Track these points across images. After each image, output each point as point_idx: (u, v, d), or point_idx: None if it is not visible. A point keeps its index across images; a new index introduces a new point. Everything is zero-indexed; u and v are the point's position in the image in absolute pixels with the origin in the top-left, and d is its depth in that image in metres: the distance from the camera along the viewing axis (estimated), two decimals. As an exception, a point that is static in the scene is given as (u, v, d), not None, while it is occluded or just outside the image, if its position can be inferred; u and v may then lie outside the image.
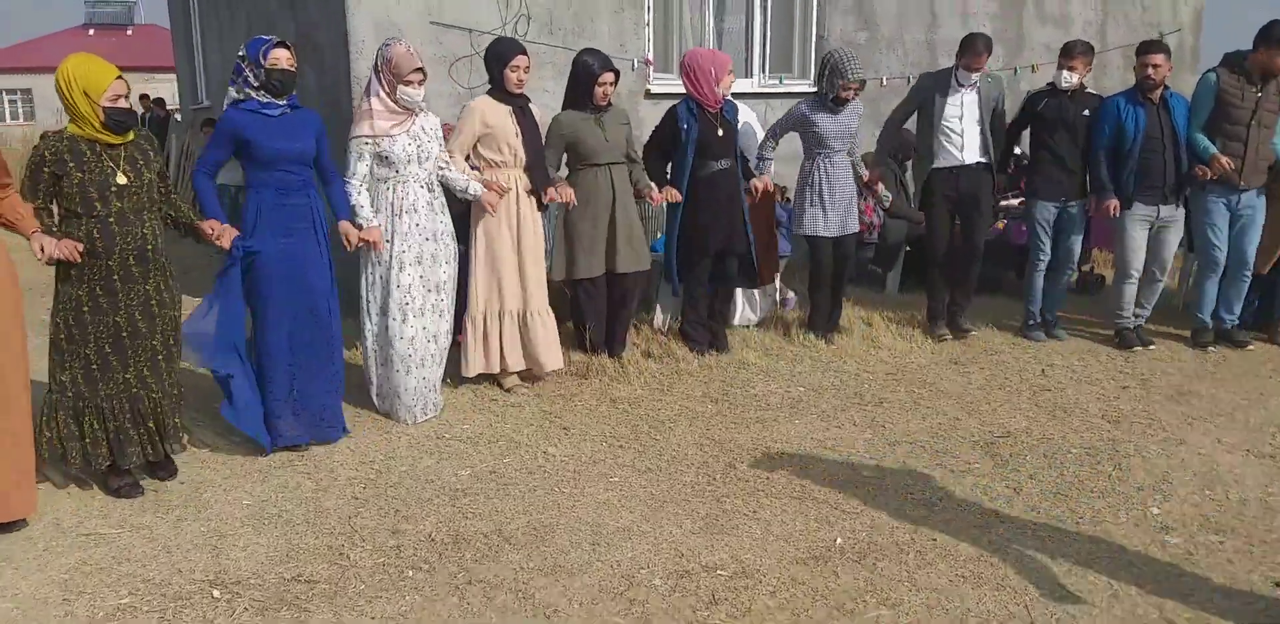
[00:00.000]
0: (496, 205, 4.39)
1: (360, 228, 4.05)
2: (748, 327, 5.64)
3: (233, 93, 3.88)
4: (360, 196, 4.08)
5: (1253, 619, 2.74)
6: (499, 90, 4.49)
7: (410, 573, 3.00)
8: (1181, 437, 4.10)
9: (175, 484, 3.64)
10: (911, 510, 3.42)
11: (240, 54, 3.82)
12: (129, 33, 34.03)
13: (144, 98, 14.92)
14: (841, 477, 3.70)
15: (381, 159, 4.10)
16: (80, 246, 3.29)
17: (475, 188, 4.34)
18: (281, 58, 3.78)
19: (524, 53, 4.46)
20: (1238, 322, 5.43)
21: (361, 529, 3.29)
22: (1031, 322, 5.58)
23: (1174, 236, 5.34)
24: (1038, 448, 3.98)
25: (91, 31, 33.92)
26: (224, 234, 3.69)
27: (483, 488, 3.61)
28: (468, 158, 4.49)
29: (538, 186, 4.57)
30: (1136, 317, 5.43)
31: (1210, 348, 5.33)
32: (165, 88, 19.46)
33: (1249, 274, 5.29)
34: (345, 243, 4.01)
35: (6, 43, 33.14)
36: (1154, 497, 3.52)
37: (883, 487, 3.62)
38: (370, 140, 4.08)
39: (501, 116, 4.45)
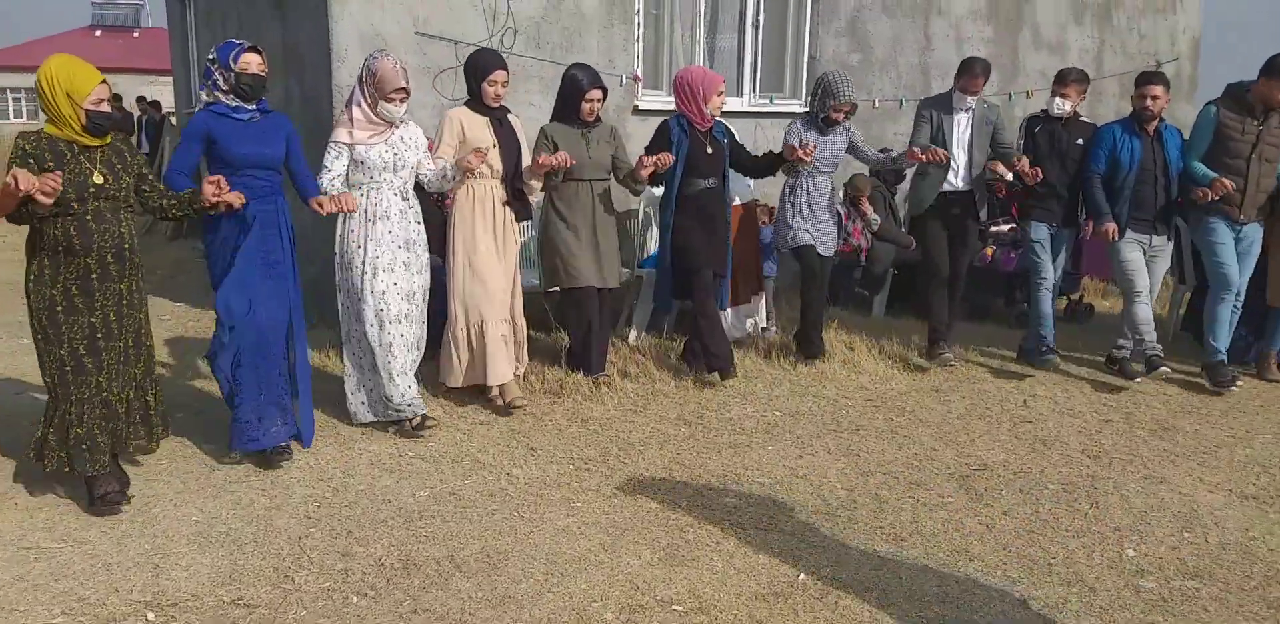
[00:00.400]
0: (475, 164, 4.18)
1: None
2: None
3: (203, 96, 3.84)
4: (330, 186, 4.05)
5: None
6: (476, 102, 4.43)
7: (355, 599, 2.90)
8: (1163, 475, 3.99)
9: (124, 498, 3.54)
10: (879, 545, 3.31)
11: (210, 57, 3.78)
12: (135, 35, 34.05)
13: (140, 100, 14.89)
14: (811, 507, 3.60)
15: (357, 164, 4.09)
16: (59, 176, 3.10)
17: (452, 168, 4.24)
18: (252, 62, 3.74)
19: (503, 67, 4.40)
20: (1224, 357, 5.32)
21: (310, 551, 3.18)
22: (1045, 347, 5.29)
23: (1161, 267, 5.25)
24: (1014, 482, 3.88)
25: (99, 32, 33.94)
26: (222, 189, 3.45)
27: (440, 510, 3.51)
28: None
29: (515, 198, 4.51)
30: (1121, 348, 5.31)
31: (1235, 385, 5.03)
32: (170, 90, 19.44)
33: (1239, 305, 5.19)
34: (317, 210, 3.91)
35: (13, 42, 33.11)
36: (1130, 537, 3.41)
37: (852, 519, 3.51)
38: (347, 146, 4.07)
39: (479, 127, 4.40)
